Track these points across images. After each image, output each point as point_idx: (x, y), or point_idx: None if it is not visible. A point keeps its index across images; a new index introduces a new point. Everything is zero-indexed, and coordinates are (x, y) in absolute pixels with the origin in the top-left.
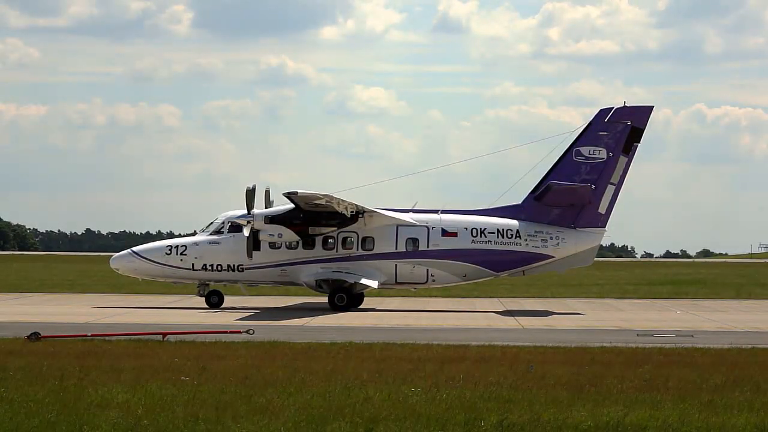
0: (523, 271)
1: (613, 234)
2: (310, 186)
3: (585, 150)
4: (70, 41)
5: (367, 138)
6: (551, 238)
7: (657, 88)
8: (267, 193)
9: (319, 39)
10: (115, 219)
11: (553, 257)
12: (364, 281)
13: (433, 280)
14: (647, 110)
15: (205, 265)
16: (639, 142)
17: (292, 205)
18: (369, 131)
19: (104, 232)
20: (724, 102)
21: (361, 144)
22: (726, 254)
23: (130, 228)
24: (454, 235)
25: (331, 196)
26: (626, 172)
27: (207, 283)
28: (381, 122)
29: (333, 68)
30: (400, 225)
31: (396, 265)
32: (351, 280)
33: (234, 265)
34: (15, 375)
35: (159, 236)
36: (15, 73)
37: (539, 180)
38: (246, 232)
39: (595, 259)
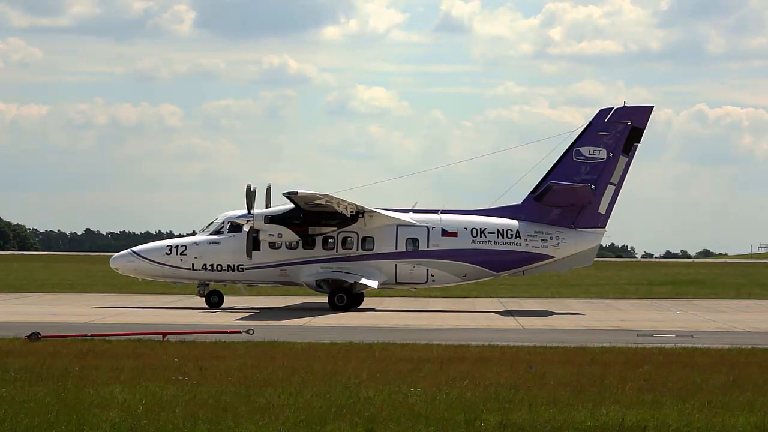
0: (523, 271)
1: (613, 234)
2: (310, 186)
3: (585, 150)
4: (71, 41)
5: (369, 138)
6: (551, 238)
7: (658, 88)
8: (268, 192)
9: (321, 39)
10: (115, 219)
11: (553, 257)
12: (364, 281)
13: (433, 280)
14: (647, 110)
15: (205, 265)
16: (639, 142)
17: (292, 205)
18: (370, 131)
19: (104, 232)
20: (726, 102)
21: (362, 144)
22: (726, 254)
23: (130, 228)
24: (454, 235)
25: (331, 196)
26: (626, 172)
27: (207, 283)
28: (382, 122)
29: (335, 68)
30: (400, 225)
31: (396, 265)
32: (351, 280)
33: (234, 265)
34: (15, 375)
35: (159, 236)
36: (17, 72)
37: (539, 180)
38: (246, 228)
39: (595, 259)
